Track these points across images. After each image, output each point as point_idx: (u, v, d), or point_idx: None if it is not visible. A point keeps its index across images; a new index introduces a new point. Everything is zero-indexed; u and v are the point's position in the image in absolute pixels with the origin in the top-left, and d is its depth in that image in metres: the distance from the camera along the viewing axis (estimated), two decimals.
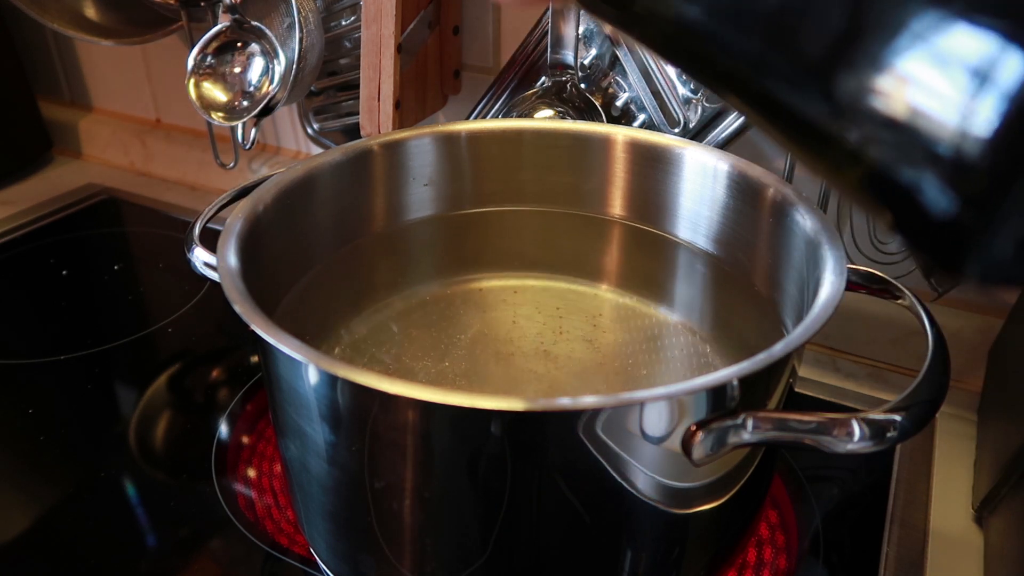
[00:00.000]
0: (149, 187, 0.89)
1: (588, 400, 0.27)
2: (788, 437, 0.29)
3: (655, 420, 0.29)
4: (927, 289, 0.50)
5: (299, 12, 0.58)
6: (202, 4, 0.67)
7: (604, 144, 0.49)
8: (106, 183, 0.89)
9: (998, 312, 0.55)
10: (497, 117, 0.60)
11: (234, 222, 0.38)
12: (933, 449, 0.52)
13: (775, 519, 0.46)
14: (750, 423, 0.29)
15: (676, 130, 0.53)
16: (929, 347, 0.32)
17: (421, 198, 0.50)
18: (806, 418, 0.29)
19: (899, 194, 0.19)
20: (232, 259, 0.35)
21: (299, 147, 0.83)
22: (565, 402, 0.27)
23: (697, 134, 0.52)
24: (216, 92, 0.63)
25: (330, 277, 0.46)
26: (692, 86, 0.52)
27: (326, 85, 0.69)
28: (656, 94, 0.54)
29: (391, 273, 0.48)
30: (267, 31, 0.61)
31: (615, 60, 0.55)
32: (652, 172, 0.48)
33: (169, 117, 0.91)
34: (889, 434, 0.28)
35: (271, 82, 0.62)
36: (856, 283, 0.37)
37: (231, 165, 0.75)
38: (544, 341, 0.42)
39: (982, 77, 0.17)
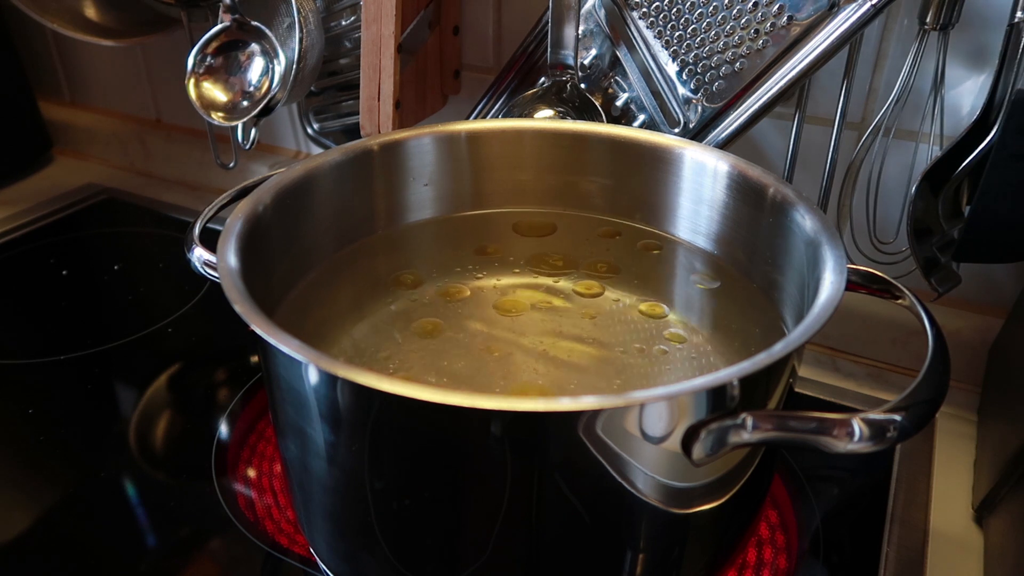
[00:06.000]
0: (149, 187, 0.89)
1: (588, 400, 0.27)
2: (788, 437, 0.29)
3: (655, 420, 0.29)
4: (927, 289, 0.50)
5: (299, 12, 0.58)
6: (202, 4, 0.67)
7: (604, 144, 0.49)
8: (106, 183, 0.89)
9: (998, 312, 0.55)
10: (497, 117, 0.60)
11: (234, 222, 0.38)
12: (933, 449, 0.52)
13: (775, 519, 0.46)
14: (750, 423, 0.29)
15: (676, 130, 0.53)
16: (929, 347, 0.32)
17: (421, 198, 0.50)
18: (806, 418, 0.29)
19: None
20: (232, 259, 0.35)
21: (299, 147, 0.83)
22: (565, 402, 0.27)
23: (697, 134, 0.52)
24: (216, 92, 0.63)
25: (330, 277, 0.46)
26: (692, 86, 0.52)
27: (326, 85, 0.69)
28: (656, 94, 0.54)
29: (391, 272, 0.48)
30: (267, 31, 0.61)
31: (615, 60, 0.55)
32: (652, 172, 0.48)
33: (169, 117, 0.91)
34: (889, 434, 0.28)
35: (271, 82, 0.62)
36: (856, 283, 0.37)
37: (231, 165, 0.75)
38: (544, 341, 0.42)
39: None
